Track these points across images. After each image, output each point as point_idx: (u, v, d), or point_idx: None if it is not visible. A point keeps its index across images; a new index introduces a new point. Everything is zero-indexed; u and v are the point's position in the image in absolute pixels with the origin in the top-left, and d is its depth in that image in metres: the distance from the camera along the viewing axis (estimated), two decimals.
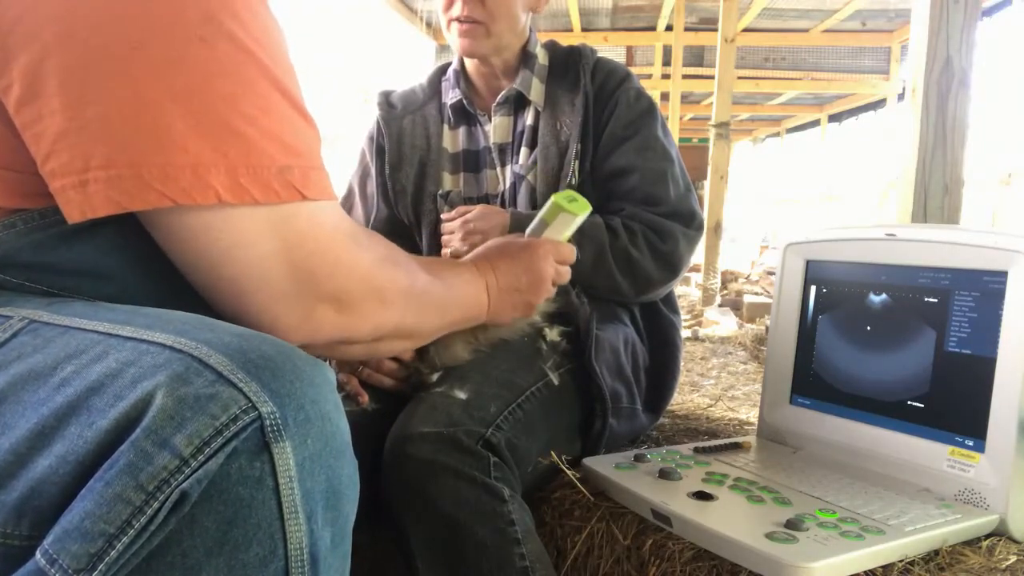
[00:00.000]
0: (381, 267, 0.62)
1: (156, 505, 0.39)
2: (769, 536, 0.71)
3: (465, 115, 1.27)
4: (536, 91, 1.21)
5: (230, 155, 0.49)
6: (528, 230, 0.97)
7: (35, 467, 0.42)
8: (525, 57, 1.22)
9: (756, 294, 4.05)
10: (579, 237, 1.10)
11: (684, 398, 1.61)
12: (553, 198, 0.93)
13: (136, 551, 0.39)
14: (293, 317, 0.55)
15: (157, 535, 0.40)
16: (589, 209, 0.94)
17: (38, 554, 0.40)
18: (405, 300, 0.65)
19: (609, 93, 1.19)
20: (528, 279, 0.87)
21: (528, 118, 1.21)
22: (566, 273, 0.94)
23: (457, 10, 1.12)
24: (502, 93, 1.22)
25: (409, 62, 7.30)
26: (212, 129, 0.48)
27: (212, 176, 0.48)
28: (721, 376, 1.94)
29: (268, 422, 0.42)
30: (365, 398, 1.00)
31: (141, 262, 0.55)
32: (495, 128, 1.23)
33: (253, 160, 0.50)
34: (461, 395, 0.93)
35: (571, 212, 0.93)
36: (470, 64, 1.25)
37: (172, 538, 0.40)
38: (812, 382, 1.03)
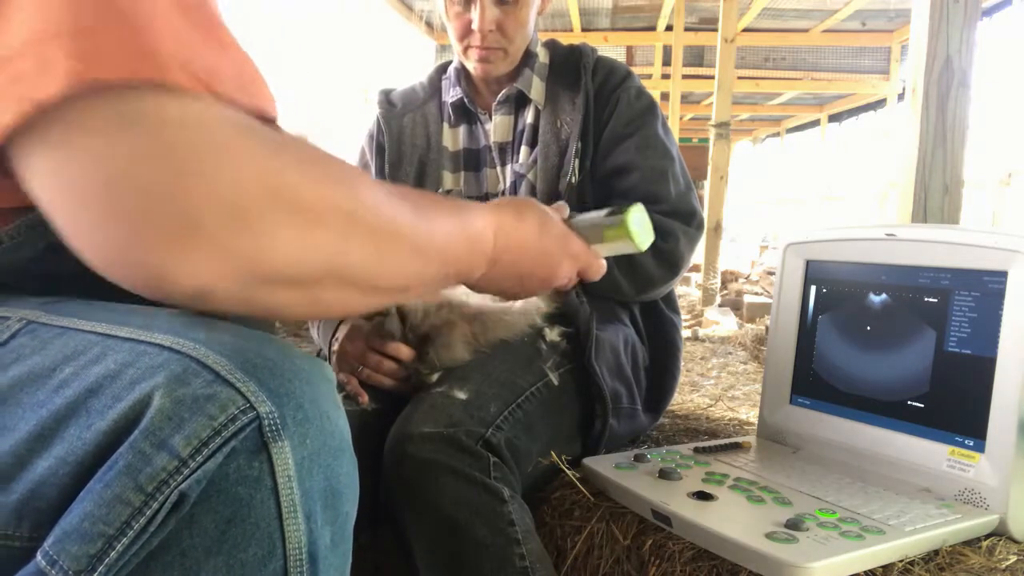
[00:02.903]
0: (301, 173, 0.44)
1: (155, 506, 0.39)
2: (769, 536, 0.71)
3: (466, 113, 1.27)
4: (537, 90, 1.21)
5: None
6: (579, 223, 0.83)
7: (35, 469, 0.42)
8: (526, 56, 1.22)
9: (756, 294, 4.05)
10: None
11: (684, 398, 1.61)
12: (628, 219, 0.80)
13: (136, 552, 0.39)
14: (155, 250, 0.40)
15: (156, 536, 0.40)
16: (650, 243, 0.84)
17: (39, 555, 0.40)
18: (346, 224, 0.47)
19: (610, 91, 1.19)
20: (542, 273, 0.75)
21: (528, 117, 1.21)
22: (572, 283, 0.84)
23: (477, 40, 1.13)
24: (503, 92, 1.22)
25: (409, 62, 7.30)
26: None
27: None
28: (721, 376, 1.94)
29: (266, 422, 0.42)
30: (365, 398, 1.00)
31: None
32: (495, 127, 1.23)
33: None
34: (461, 395, 0.93)
35: (636, 244, 0.81)
36: None
37: (171, 538, 0.40)
38: (812, 382, 1.03)
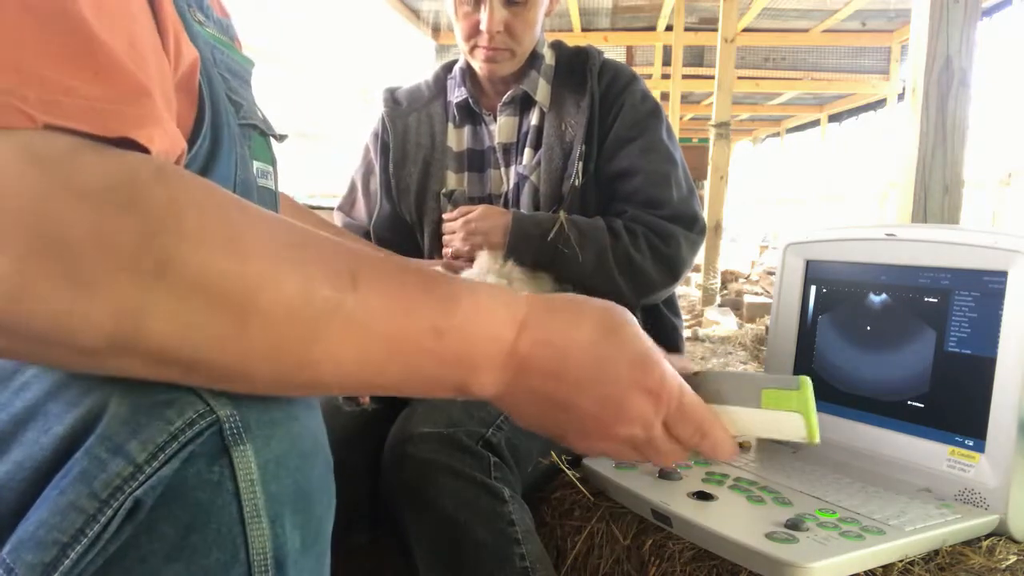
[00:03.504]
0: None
1: (110, 513, 0.39)
2: (769, 536, 0.71)
3: (470, 114, 1.27)
4: (542, 92, 1.22)
5: None
6: (718, 374, 0.57)
7: None
8: (532, 57, 1.22)
9: (756, 294, 4.05)
10: (580, 239, 1.10)
11: None
12: (807, 387, 0.55)
13: (92, 559, 0.39)
14: None
15: (113, 543, 0.39)
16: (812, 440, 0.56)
17: None
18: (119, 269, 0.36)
19: (615, 95, 1.19)
20: (594, 407, 0.49)
21: (533, 118, 1.22)
22: (670, 453, 0.53)
23: (485, 40, 1.13)
24: (508, 93, 1.22)
25: (409, 62, 7.30)
26: None
27: None
28: None
29: (227, 425, 0.41)
30: (366, 398, 1.00)
31: None
32: (500, 128, 1.23)
33: None
34: None
35: (809, 428, 0.55)
36: None
37: (129, 545, 0.39)
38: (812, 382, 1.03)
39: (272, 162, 0.66)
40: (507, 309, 0.48)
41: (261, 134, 0.64)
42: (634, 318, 0.52)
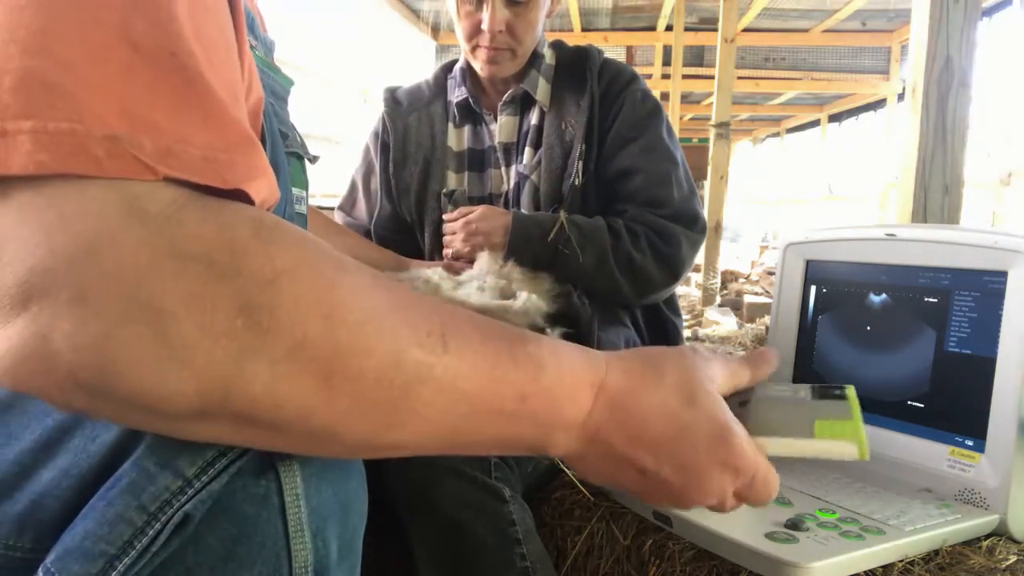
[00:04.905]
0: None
1: (158, 527, 0.39)
2: (769, 536, 0.71)
3: (471, 114, 1.27)
4: (542, 91, 1.22)
5: None
6: (765, 401, 0.57)
7: (39, 479, 0.41)
8: (533, 57, 1.22)
9: (756, 294, 4.05)
10: (581, 239, 1.10)
11: None
12: (856, 409, 0.56)
13: (138, 571, 0.39)
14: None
15: (159, 555, 0.39)
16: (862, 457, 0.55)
17: (40, 571, 0.40)
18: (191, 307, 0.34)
19: (615, 94, 1.19)
20: (675, 477, 0.49)
21: (533, 118, 1.22)
22: (726, 502, 0.52)
23: (486, 40, 1.14)
24: (508, 93, 1.22)
25: (409, 62, 7.30)
26: None
27: None
28: None
29: None
30: None
31: None
32: (500, 127, 1.23)
33: None
34: None
35: (860, 448, 0.54)
36: None
37: (175, 557, 0.40)
38: (812, 382, 1.03)
39: (305, 186, 0.64)
40: (588, 371, 0.47)
41: (298, 158, 0.62)
42: (711, 370, 0.52)
